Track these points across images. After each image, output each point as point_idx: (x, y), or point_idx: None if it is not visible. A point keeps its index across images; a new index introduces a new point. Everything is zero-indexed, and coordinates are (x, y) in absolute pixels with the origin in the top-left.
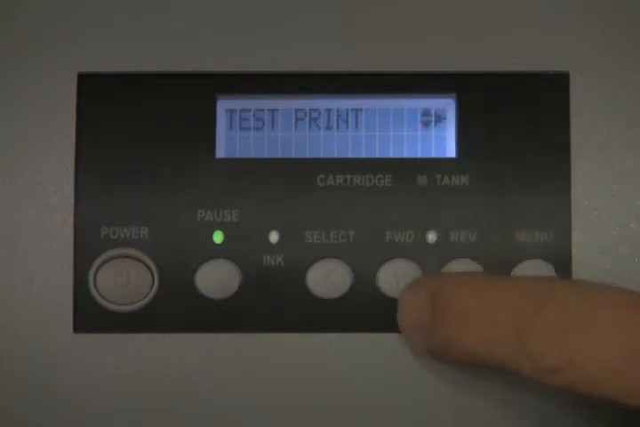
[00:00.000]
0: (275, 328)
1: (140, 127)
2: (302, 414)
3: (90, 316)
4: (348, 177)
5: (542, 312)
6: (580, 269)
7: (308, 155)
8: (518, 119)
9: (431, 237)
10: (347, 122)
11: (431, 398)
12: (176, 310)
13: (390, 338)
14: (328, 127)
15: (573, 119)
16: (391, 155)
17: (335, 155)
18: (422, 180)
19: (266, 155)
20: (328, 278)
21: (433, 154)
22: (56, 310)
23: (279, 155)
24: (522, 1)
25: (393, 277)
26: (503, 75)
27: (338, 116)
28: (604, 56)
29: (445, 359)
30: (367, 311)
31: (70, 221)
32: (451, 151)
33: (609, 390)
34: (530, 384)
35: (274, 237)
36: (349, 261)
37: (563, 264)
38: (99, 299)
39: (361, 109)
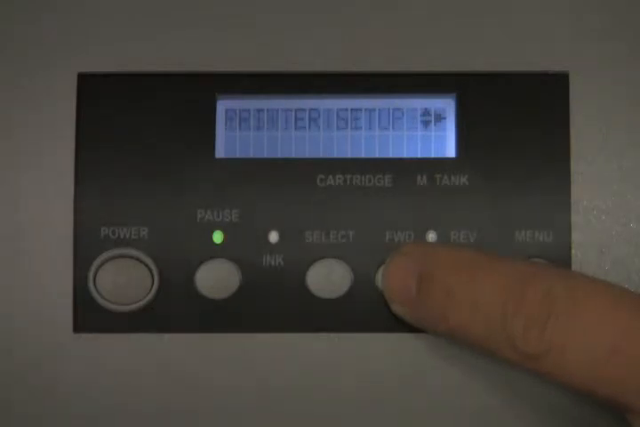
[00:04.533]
0: (275, 328)
1: (139, 127)
2: (302, 414)
3: (90, 316)
4: (348, 177)
5: (526, 297)
6: (579, 270)
7: (307, 155)
8: (518, 119)
9: (431, 237)
10: (347, 122)
11: (431, 398)
12: (176, 310)
13: (390, 338)
14: (328, 127)
15: (573, 119)
16: (391, 155)
17: (335, 155)
18: (422, 180)
19: (266, 155)
20: (328, 278)
21: (432, 154)
22: (56, 310)
23: (279, 155)
24: (522, 1)
25: None
26: (503, 75)
27: (338, 116)
28: (604, 56)
29: (425, 330)
30: (367, 311)
31: (70, 221)
32: (450, 151)
33: (586, 384)
34: (531, 385)
35: (274, 237)
36: (349, 261)
37: (563, 264)
38: (99, 299)
39: (361, 109)
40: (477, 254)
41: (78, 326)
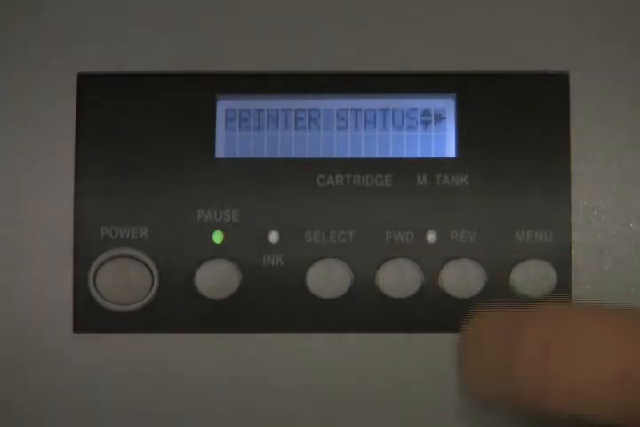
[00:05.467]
0: (275, 328)
1: (139, 127)
2: (302, 414)
3: (90, 316)
4: (348, 177)
5: (520, 341)
6: (579, 270)
7: (307, 155)
8: (518, 119)
9: (431, 237)
10: (347, 122)
11: (431, 398)
12: (176, 310)
13: (390, 338)
14: (328, 127)
15: (573, 119)
16: (391, 155)
17: (335, 155)
18: (422, 180)
19: (266, 155)
20: (328, 278)
21: (433, 154)
22: (56, 309)
23: (279, 155)
24: (522, 1)
25: (393, 277)
26: (503, 75)
27: (338, 116)
28: (604, 56)
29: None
30: (367, 311)
31: (70, 221)
32: (450, 151)
33: (604, 416)
34: None
35: (274, 237)
36: (349, 261)
37: (563, 264)
38: (99, 299)
39: (361, 109)
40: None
41: (78, 326)
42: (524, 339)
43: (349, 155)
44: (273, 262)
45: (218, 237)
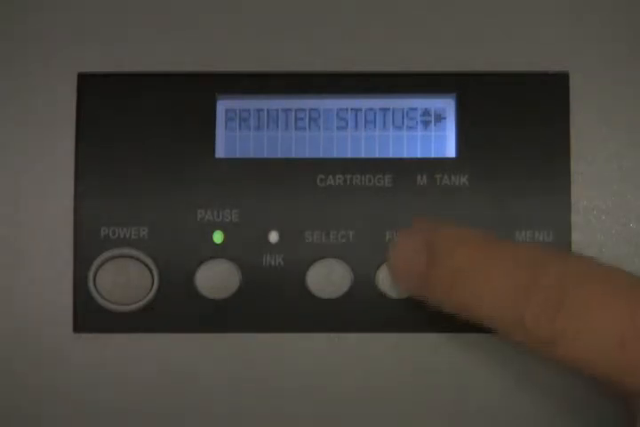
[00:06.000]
0: (275, 328)
1: (139, 127)
2: (302, 414)
3: (90, 316)
4: (348, 177)
5: (538, 283)
6: None
7: (307, 155)
8: (518, 119)
9: None
10: (347, 122)
11: (431, 398)
12: (176, 310)
13: (390, 338)
14: (328, 127)
15: (573, 119)
16: (391, 155)
17: (335, 155)
18: (422, 180)
19: (266, 155)
20: (328, 278)
21: (433, 154)
22: (56, 309)
23: (279, 155)
24: (522, 1)
25: None
26: (503, 75)
27: (338, 116)
28: (604, 56)
29: (431, 305)
30: (367, 311)
31: (70, 221)
32: (450, 151)
33: (600, 370)
34: (531, 385)
35: (274, 237)
36: (349, 261)
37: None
38: (99, 299)
39: (361, 109)
40: (489, 235)
41: (78, 326)
42: (543, 280)
43: (349, 155)
44: (273, 262)
45: (218, 237)
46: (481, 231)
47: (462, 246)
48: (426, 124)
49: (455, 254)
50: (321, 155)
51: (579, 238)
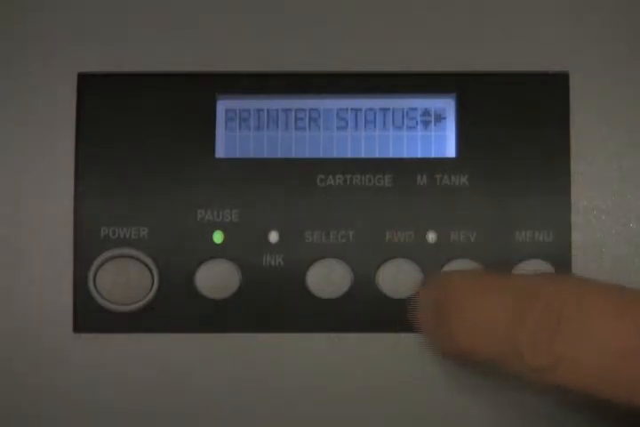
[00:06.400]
0: (275, 328)
1: (139, 127)
2: (302, 414)
3: (90, 316)
4: (348, 177)
5: (531, 312)
6: (579, 270)
7: (307, 155)
8: (518, 119)
9: (431, 237)
10: (347, 122)
11: (431, 399)
12: (176, 310)
13: (390, 338)
14: (328, 127)
15: (573, 119)
16: (391, 155)
17: (335, 155)
18: (422, 180)
19: (266, 155)
20: (328, 278)
21: (433, 154)
22: (56, 309)
23: (279, 155)
24: (522, 1)
25: (393, 277)
26: (503, 75)
27: (338, 116)
28: (604, 56)
29: (450, 357)
30: (367, 311)
31: (70, 221)
32: (450, 151)
33: (600, 388)
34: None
35: (274, 237)
36: (349, 261)
37: (563, 264)
38: (99, 299)
39: (361, 109)
40: (486, 275)
41: (78, 326)
42: (535, 310)
43: (349, 155)
44: (273, 262)
45: (218, 237)
46: (479, 272)
47: (459, 293)
48: (426, 124)
49: (454, 301)
50: (321, 155)
51: (579, 238)
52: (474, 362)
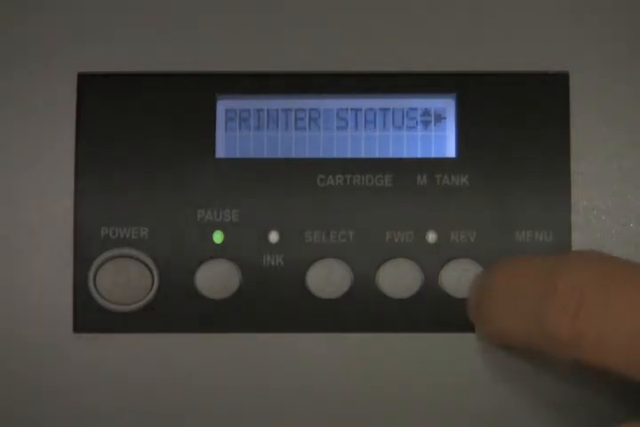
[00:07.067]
0: (275, 328)
1: (139, 127)
2: (302, 414)
3: (90, 316)
4: (348, 177)
5: (557, 288)
6: None
7: (307, 155)
8: (518, 119)
9: (431, 237)
10: (347, 122)
11: (431, 398)
12: (176, 310)
13: (390, 338)
14: (328, 127)
15: (573, 119)
16: (391, 155)
17: (335, 155)
18: (422, 180)
19: (266, 155)
20: (328, 278)
21: (433, 154)
22: (56, 309)
23: (279, 155)
24: (522, 1)
25: (393, 277)
26: (503, 75)
27: (338, 116)
28: (604, 56)
29: (490, 342)
30: (367, 311)
31: (70, 221)
32: (450, 151)
33: (624, 367)
34: (531, 385)
35: (274, 237)
36: (349, 261)
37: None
38: (99, 299)
39: (361, 109)
40: (526, 257)
41: (78, 326)
42: (559, 286)
43: (349, 155)
44: (273, 262)
45: (218, 237)
46: (524, 256)
47: (495, 276)
48: (426, 124)
49: (489, 284)
50: (321, 155)
51: (579, 238)
52: (510, 347)
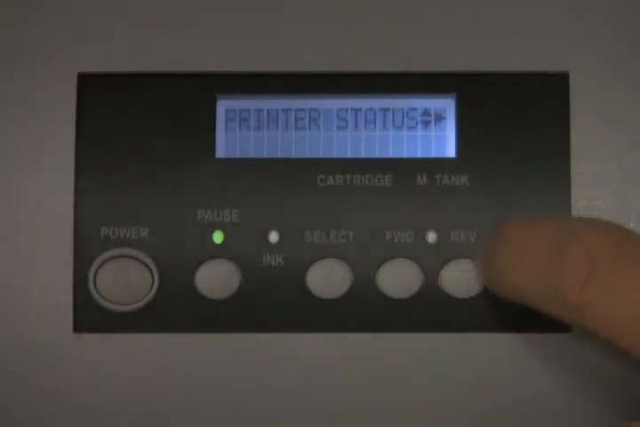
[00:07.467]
0: (275, 328)
1: (139, 127)
2: (302, 414)
3: (90, 316)
4: (348, 177)
5: (570, 254)
6: None
7: (307, 155)
8: (518, 119)
9: (431, 237)
10: (347, 122)
11: (431, 398)
12: (176, 310)
13: (390, 338)
14: (328, 127)
15: (573, 119)
16: (391, 155)
17: (335, 155)
18: (422, 180)
19: (266, 155)
20: (328, 278)
21: (433, 154)
22: (56, 309)
23: (279, 155)
24: (522, 1)
25: (393, 277)
26: (503, 75)
27: (338, 116)
28: (604, 56)
29: (498, 293)
30: (367, 311)
31: (70, 221)
32: (450, 151)
33: (628, 341)
34: (531, 385)
35: (274, 237)
36: (349, 261)
37: None
38: (99, 299)
39: (361, 109)
40: (546, 216)
41: (78, 326)
42: (572, 255)
43: (349, 155)
44: (273, 262)
45: (218, 237)
46: (547, 216)
47: (510, 232)
48: (426, 124)
49: (508, 239)
50: (321, 155)
51: None
52: (519, 303)
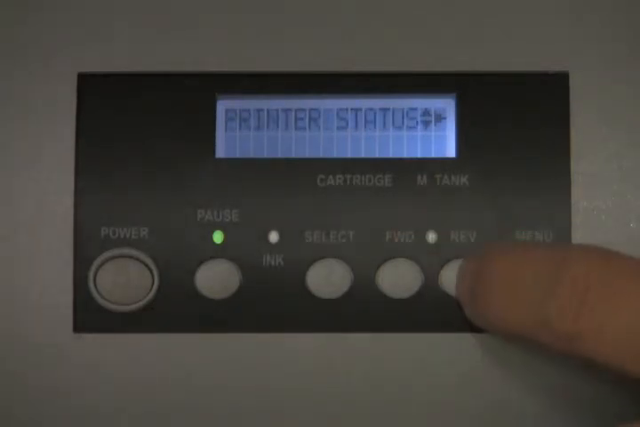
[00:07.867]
0: (275, 328)
1: (139, 127)
2: (302, 414)
3: (90, 316)
4: (348, 177)
5: (560, 282)
6: None
7: (307, 155)
8: (518, 119)
9: (431, 237)
10: (347, 122)
11: (431, 398)
12: (176, 310)
13: (390, 338)
14: (328, 127)
15: (573, 119)
16: (391, 155)
17: (335, 155)
18: (422, 180)
19: (266, 155)
20: (328, 278)
21: (433, 154)
22: (56, 309)
23: (279, 155)
24: (522, 1)
25: (393, 277)
26: (503, 75)
27: (338, 116)
28: (604, 56)
29: (486, 329)
30: (367, 311)
31: (70, 221)
32: (450, 151)
33: (623, 364)
34: (530, 385)
35: (274, 237)
36: (349, 261)
37: None
38: (99, 299)
39: (361, 109)
40: (523, 245)
41: (78, 326)
42: (563, 283)
43: (349, 155)
44: (273, 262)
45: (218, 237)
46: (519, 243)
47: (493, 263)
48: (426, 124)
49: (487, 271)
50: (321, 155)
51: (579, 238)
52: (507, 336)
